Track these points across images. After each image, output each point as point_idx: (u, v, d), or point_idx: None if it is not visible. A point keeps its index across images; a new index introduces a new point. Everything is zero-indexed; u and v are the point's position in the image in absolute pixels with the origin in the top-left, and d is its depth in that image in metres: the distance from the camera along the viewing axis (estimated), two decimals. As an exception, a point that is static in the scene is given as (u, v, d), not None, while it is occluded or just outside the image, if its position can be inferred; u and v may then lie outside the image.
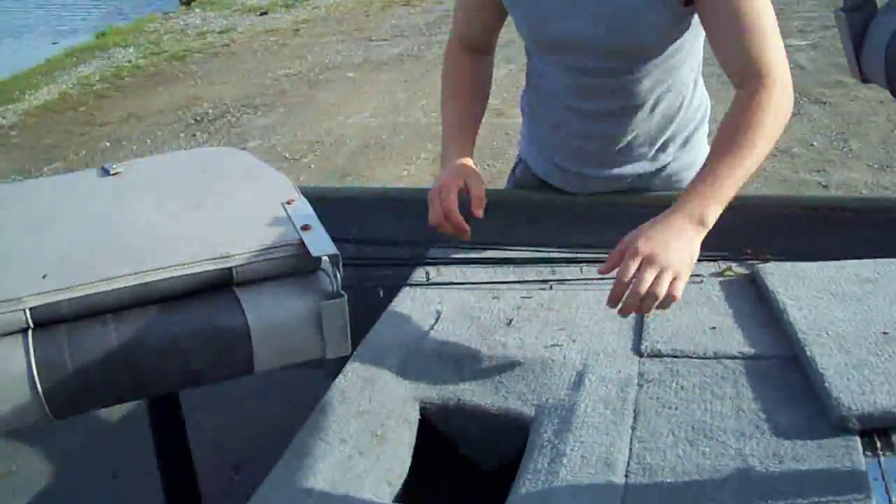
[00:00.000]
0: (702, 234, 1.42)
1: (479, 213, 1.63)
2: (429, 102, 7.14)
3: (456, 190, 1.64)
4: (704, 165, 1.50)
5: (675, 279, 1.35)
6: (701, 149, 1.95)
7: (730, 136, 1.48)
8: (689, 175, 1.91)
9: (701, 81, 1.92)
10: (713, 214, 1.43)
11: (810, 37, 8.09)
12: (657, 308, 1.35)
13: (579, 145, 1.93)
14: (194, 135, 6.88)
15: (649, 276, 1.34)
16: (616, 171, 1.94)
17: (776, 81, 1.51)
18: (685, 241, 1.39)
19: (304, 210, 1.30)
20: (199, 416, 1.51)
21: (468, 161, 1.75)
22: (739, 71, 1.54)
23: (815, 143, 5.59)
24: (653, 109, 1.83)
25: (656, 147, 1.91)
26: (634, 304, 1.35)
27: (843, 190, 4.89)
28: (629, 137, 1.87)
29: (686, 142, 1.93)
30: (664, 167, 1.94)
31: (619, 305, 1.37)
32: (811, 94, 6.47)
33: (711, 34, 1.61)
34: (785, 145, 5.58)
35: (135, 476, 1.73)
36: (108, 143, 6.82)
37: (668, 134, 1.89)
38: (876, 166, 5.18)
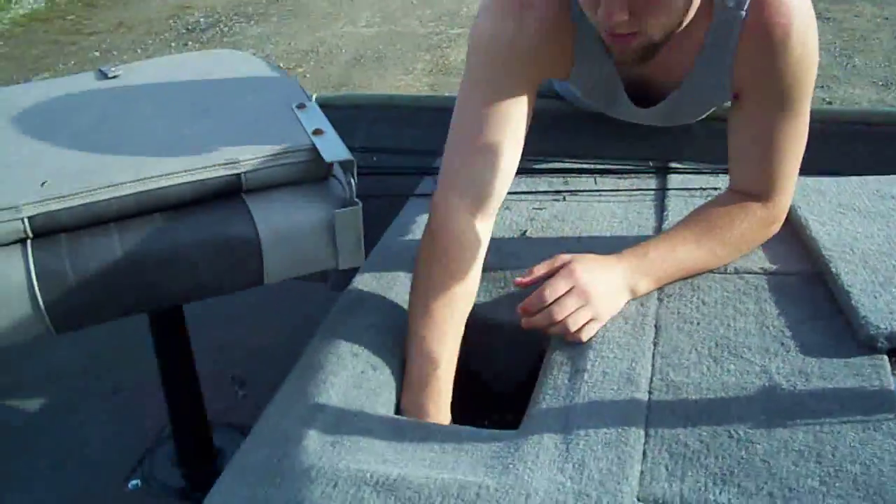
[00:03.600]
0: (628, 298, 1.35)
1: None
2: (424, 12, 7.00)
3: None
4: (671, 234, 1.42)
5: (592, 320, 1.28)
6: None
7: (712, 228, 1.41)
8: None
9: None
10: (647, 289, 1.37)
11: (814, -51, 7.92)
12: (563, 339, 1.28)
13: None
14: (186, 44, 6.73)
15: (571, 306, 1.27)
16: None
17: (777, 212, 1.44)
18: (615, 295, 1.33)
19: (315, 114, 1.24)
20: (201, 330, 1.46)
21: None
22: (745, 187, 1.44)
23: (819, 59, 5.50)
24: None
25: None
26: (543, 324, 1.27)
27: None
28: None
29: None
30: None
31: (526, 317, 1.29)
32: (815, 10, 6.34)
33: (733, 137, 1.44)
34: (789, 60, 5.46)
35: (137, 391, 1.70)
36: (97, 53, 6.67)
37: None
38: (880, 83, 5.10)
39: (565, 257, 1.33)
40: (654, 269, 1.37)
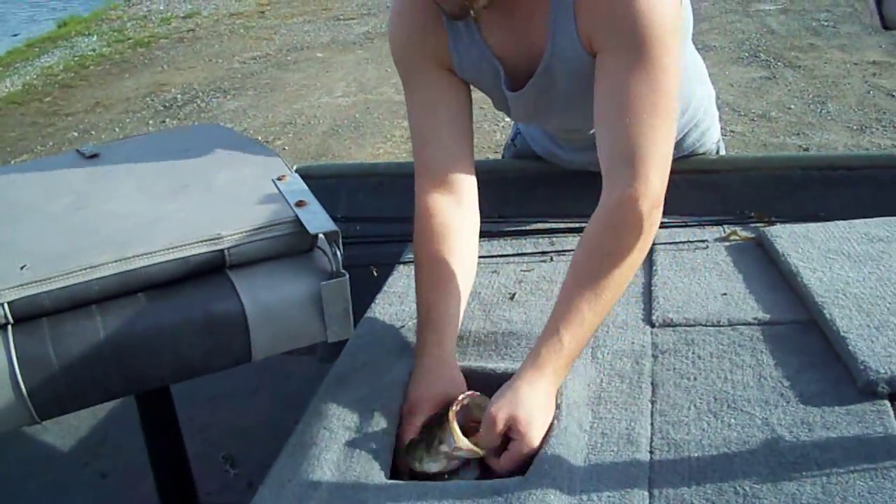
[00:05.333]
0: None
1: None
2: (399, 79, 7.05)
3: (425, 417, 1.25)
4: (572, 299, 1.25)
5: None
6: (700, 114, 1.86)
7: (604, 266, 1.25)
8: (691, 138, 1.83)
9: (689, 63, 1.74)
10: (566, 373, 1.25)
11: (780, 0, 8.04)
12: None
13: (570, 159, 1.88)
14: (164, 121, 6.76)
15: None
16: None
17: (648, 192, 1.26)
18: (549, 414, 1.20)
19: (297, 186, 1.23)
20: (189, 410, 1.44)
21: (448, 364, 1.32)
22: (610, 159, 1.30)
23: (792, 107, 5.56)
24: None
25: None
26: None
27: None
28: None
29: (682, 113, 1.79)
30: None
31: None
32: (785, 58, 6.43)
33: (595, 102, 1.33)
34: (762, 110, 5.54)
35: (125, 475, 1.66)
36: (75, 134, 6.69)
37: None
38: (855, 128, 5.15)
39: (501, 421, 1.16)
40: (572, 353, 1.25)
